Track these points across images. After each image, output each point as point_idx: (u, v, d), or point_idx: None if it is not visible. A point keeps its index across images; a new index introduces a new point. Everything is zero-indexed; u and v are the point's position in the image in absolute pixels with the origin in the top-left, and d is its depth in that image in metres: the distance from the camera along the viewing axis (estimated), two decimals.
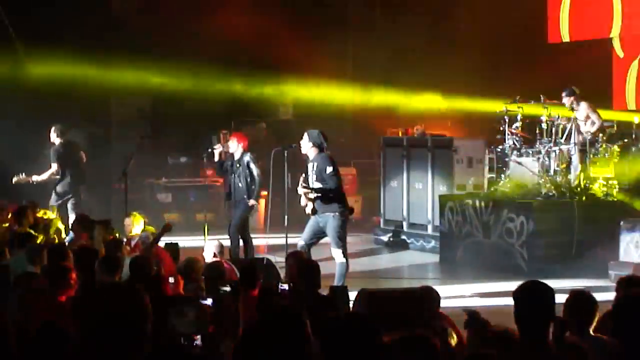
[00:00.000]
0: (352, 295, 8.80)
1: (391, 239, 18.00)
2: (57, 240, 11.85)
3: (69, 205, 15.63)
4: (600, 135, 15.41)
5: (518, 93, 15.91)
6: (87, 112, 19.99)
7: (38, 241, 10.62)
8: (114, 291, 4.56)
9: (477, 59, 20.00)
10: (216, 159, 14.58)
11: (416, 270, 15.74)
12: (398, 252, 17.43)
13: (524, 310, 5.18)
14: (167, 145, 21.46)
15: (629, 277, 7.63)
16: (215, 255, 10.54)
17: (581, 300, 6.16)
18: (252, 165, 14.26)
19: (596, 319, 6.00)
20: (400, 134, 19.45)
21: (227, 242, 13.59)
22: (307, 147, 12.43)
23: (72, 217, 14.34)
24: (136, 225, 12.25)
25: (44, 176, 15.64)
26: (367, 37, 22.46)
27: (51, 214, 13.47)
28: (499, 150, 15.96)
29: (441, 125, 20.37)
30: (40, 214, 12.81)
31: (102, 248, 10.30)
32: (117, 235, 11.96)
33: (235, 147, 14.43)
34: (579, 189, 15.06)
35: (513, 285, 5.44)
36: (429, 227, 17.32)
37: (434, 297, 7.57)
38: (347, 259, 12.24)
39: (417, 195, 17.66)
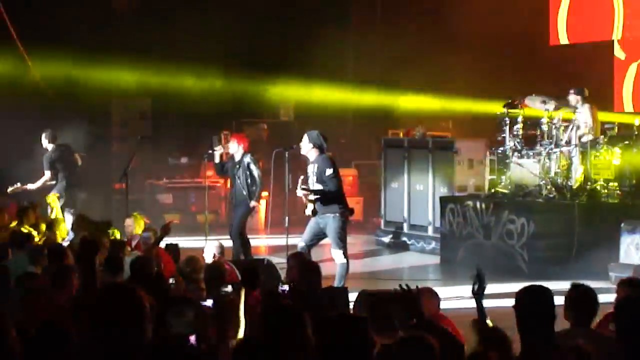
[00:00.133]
0: (353, 296, 8.79)
1: (392, 240, 17.99)
2: (61, 240, 11.88)
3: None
4: (602, 136, 15.40)
5: (519, 94, 15.90)
6: (87, 113, 20.00)
7: (37, 240, 10.64)
8: (114, 292, 4.57)
9: (478, 59, 19.99)
10: (216, 160, 14.56)
11: (417, 271, 15.72)
12: (399, 253, 17.42)
13: (524, 315, 5.20)
14: (168, 145, 21.46)
15: (629, 278, 7.63)
16: (215, 256, 10.53)
17: (582, 293, 6.17)
18: (253, 167, 14.25)
19: (597, 315, 6.02)
20: (401, 135, 19.45)
21: (227, 243, 13.58)
22: (307, 148, 12.43)
23: (66, 218, 14.42)
24: (137, 225, 12.25)
25: (38, 184, 15.66)
26: (368, 38, 22.46)
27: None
28: (499, 151, 15.95)
29: (442, 126, 20.38)
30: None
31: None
32: (118, 236, 11.97)
33: (235, 148, 14.42)
34: (579, 190, 15.05)
35: (513, 286, 5.45)
36: (430, 229, 17.31)
37: (434, 298, 7.57)
38: (347, 260, 12.25)
39: (418, 196, 17.65)
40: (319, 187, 12.26)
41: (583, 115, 15.42)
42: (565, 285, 6.51)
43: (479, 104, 19.01)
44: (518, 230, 14.81)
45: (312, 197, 12.21)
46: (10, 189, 15.52)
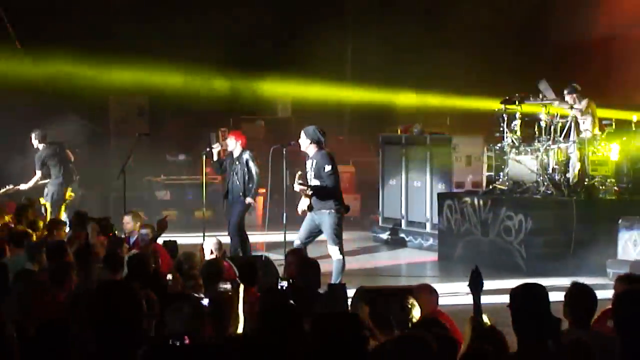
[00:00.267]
0: (351, 292, 8.81)
1: (390, 237, 18.01)
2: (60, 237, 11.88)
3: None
4: (599, 133, 15.41)
5: (517, 91, 15.90)
6: (85, 110, 19.99)
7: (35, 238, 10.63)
8: (112, 289, 4.58)
9: (476, 57, 19.99)
10: (215, 158, 14.55)
11: (414, 268, 15.74)
12: (396, 249, 17.44)
13: (519, 312, 5.23)
14: (166, 143, 21.45)
15: (627, 274, 7.65)
16: (212, 253, 10.52)
17: (582, 292, 6.18)
18: (251, 163, 14.24)
19: (595, 313, 6.02)
20: (398, 132, 19.44)
21: (225, 240, 13.57)
22: (305, 144, 12.43)
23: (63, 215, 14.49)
24: (135, 223, 12.23)
25: (30, 184, 15.76)
26: (366, 35, 22.44)
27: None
28: (497, 148, 15.95)
29: (440, 123, 20.37)
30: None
31: (95, 244, 10.31)
32: (115, 232, 11.96)
33: (233, 145, 14.42)
34: (577, 187, 15.06)
35: (511, 283, 5.46)
36: (428, 225, 17.32)
37: (432, 294, 7.57)
38: (343, 256, 12.26)
39: (416, 193, 17.66)
40: (317, 183, 12.26)
41: (581, 111, 15.43)
42: (563, 281, 6.54)
43: (476, 101, 19.01)
44: (516, 226, 14.82)
45: (309, 192, 12.21)
46: (2, 191, 15.57)
